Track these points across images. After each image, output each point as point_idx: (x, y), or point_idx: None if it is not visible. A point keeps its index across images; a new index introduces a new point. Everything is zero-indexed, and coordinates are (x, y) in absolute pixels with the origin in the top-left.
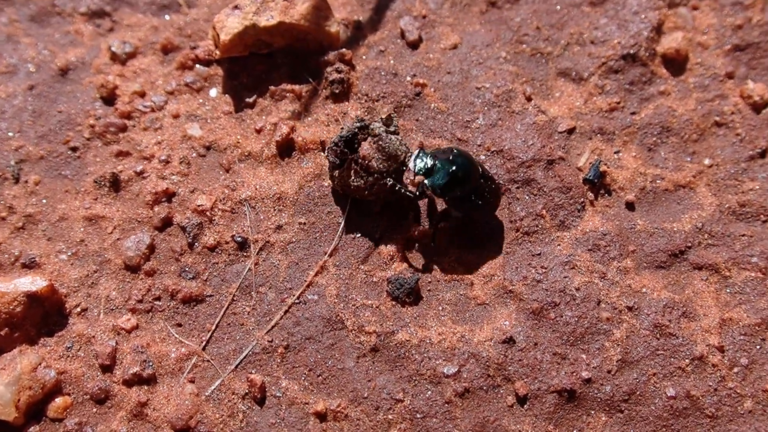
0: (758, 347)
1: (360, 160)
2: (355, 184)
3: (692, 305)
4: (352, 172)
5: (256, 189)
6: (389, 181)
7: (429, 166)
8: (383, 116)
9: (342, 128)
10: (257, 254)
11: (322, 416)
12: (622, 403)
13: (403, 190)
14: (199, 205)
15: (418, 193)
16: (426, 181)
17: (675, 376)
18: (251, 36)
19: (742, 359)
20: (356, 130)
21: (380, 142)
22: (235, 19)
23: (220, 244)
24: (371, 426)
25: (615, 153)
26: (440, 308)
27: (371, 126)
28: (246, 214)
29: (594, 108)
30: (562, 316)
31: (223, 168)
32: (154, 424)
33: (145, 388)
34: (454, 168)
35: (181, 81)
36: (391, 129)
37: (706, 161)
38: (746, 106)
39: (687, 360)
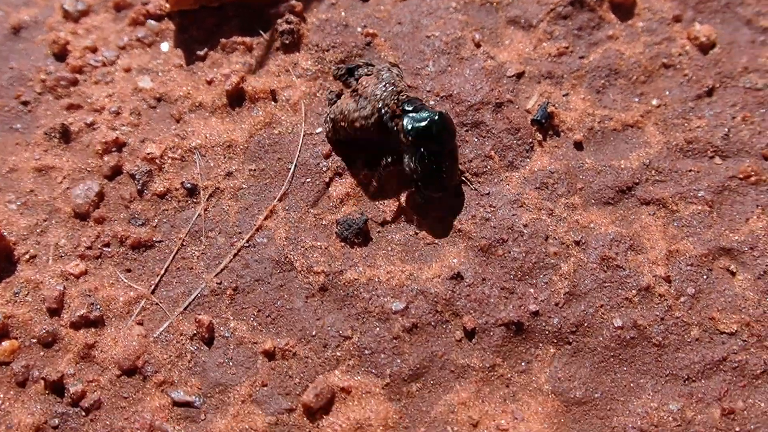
0: (705, 277)
1: (361, 84)
2: (354, 114)
3: (639, 239)
4: (351, 99)
5: (207, 138)
6: (386, 109)
7: (417, 105)
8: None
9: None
10: (207, 200)
11: (270, 355)
12: (570, 335)
13: (393, 126)
14: (148, 154)
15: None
16: (405, 120)
17: (622, 307)
18: None
19: (689, 289)
20: (360, 63)
21: (381, 73)
22: None
23: (170, 191)
24: (319, 363)
25: (564, 96)
26: (389, 248)
27: (372, 63)
28: (196, 162)
29: (543, 53)
30: (510, 252)
31: (174, 118)
32: (101, 366)
33: (93, 330)
34: (437, 118)
35: (132, 36)
36: (394, 70)
37: (654, 101)
38: (693, 48)
39: (634, 291)
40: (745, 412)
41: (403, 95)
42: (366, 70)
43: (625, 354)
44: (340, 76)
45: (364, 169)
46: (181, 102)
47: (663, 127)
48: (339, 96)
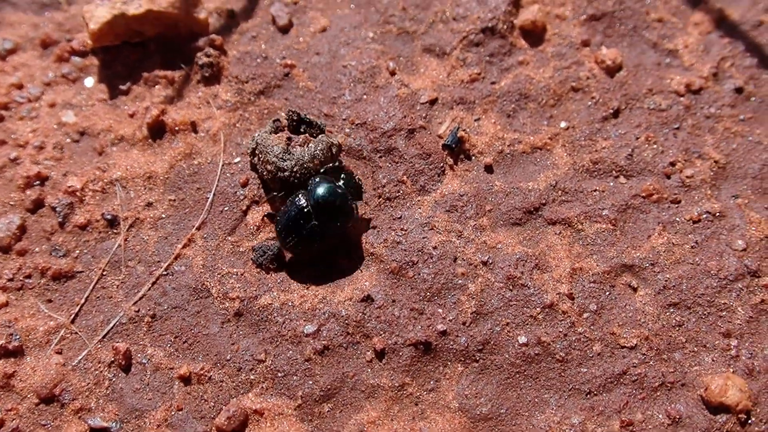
0: (607, 293)
1: (298, 141)
2: (273, 158)
3: (545, 258)
4: (282, 143)
5: (127, 169)
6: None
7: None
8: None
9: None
10: (127, 230)
11: (186, 379)
12: (477, 352)
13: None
14: (69, 187)
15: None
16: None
17: (527, 324)
18: (121, 25)
19: (591, 305)
20: (313, 121)
21: (318, 145)
22: (103, 9)
23: (91, 222)
24: (233, 386)
25: (475, 120)
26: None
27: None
28: (117, 193)
29: (456, 80)
30: (419, 274)
31: (96, 152)
32: (20, 394)
33: (12, 360)
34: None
35: (58, 72)
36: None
37: (563, 124)
38: (601, 71)
39: (538, 309)
40: (644, 423)
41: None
42: (312, 130)
43: (529, 370)
44: (290, 120)
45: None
46: (103, 135)
47: (570, 148)
48: (278, 130)
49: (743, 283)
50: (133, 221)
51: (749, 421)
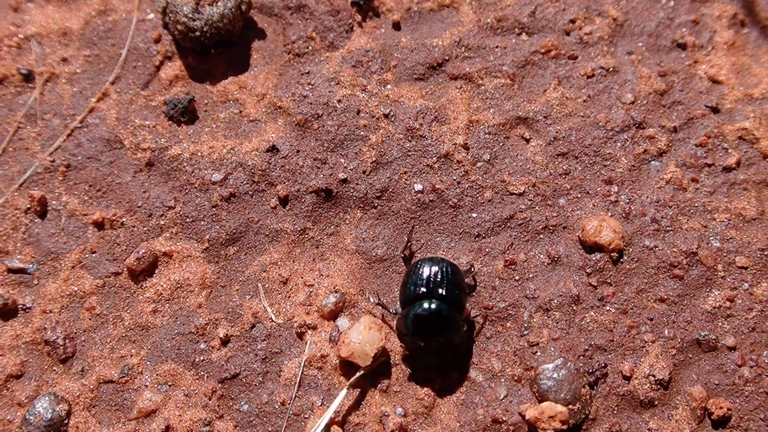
0: (501, 144)
1: None
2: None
3: (444, 111)
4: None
5: (43, 25)
6: None
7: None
8: None
9: None
10: (43, 85)
11: (99, 225)
12: (375, 199)
13: None
14: None
15: None
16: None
17: (423, 173)
18: None
19: (485, 155)
20: None
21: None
22: None
23: (7, 77)
24: (144, 231)
25: None
26: (214, 126)
27: None
28: (32, 49)
29: None
30: (324, 126)
31: (12, 8)
32: None
33: None
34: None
35: None
36: None
37: None
38: None
39: (435, 158)
40: (526, 263)
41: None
42: None
43: (424, 215)
44: None
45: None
46: None
47: (476, 6)
48: None
49: (628, 134)
50: (48, 76)
51: (621, 260)
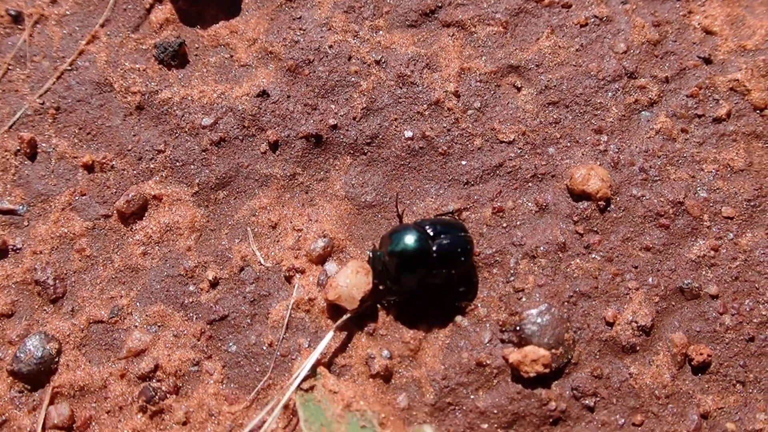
0: (492, 92)
1: None
2: None
3: (436, 58)
4: None
5: None
6: None
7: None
8: None
9: None
10: (32, 27)
11: (89, 167)
12: (365, 146)
13: None
14: None
15: None
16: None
17: (414, 120)
18: None
19: (476, 103)
20: None
21: None
22: None
23: None
24: (134, 174)
25: None
26: (205, 70)
27: None
28: None
29: None
30: (315, 72)
31: None
32: None
33: None
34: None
35: None
36: None
37: None
38: None
39: (425, 105)
40: (513, 210)
41: None
42: None
43: (413, 162)
44: None
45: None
46: None
47: None
48: None
49: (620, 84)
50: (38, 18)
51: (608, 209)
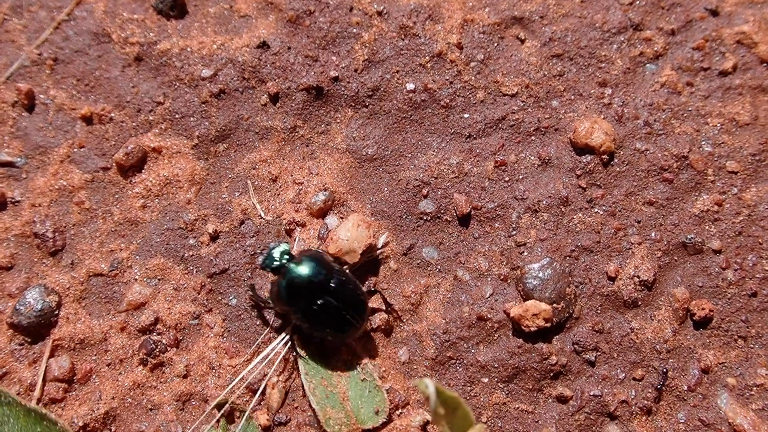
0: (495, 44)
1: None
2: None
3: (439, 9)
4: None
5: None
6: None
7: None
8: None
9: None
10: None
11: (88, 119)
12: (366, 98)
13: None
14: None
15: None
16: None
17: (416, 72)
18: None
19: (479, 55)
20: None
21: None
22: None
23: None
24: (133, 126)
25: None
26: (204, 21)
27: None
28: None
29: None
30: (315, 23)
31: None
32: None
33: None
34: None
35: None
36: None
37: None
38: None
39: (428, 57)
40: (516, 164)
41: None
42: None
43: (415, 115)
44: None
45: None
46: None
47: None
48: None
49: (625, 36)
50: None
51: (612, 162)
